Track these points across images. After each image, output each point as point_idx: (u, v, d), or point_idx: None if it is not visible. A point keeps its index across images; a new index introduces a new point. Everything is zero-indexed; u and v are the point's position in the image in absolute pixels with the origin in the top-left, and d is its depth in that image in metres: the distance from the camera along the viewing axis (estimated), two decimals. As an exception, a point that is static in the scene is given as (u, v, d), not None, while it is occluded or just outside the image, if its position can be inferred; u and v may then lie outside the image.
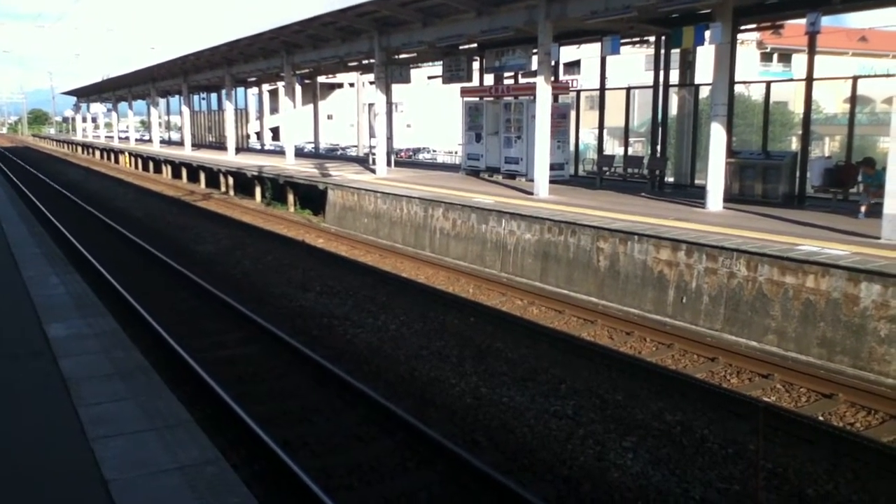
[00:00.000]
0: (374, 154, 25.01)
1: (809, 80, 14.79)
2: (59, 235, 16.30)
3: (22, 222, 13.98)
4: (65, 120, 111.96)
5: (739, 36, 16.12)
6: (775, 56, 46.74)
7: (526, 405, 7.66)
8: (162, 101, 55.29)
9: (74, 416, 4.64)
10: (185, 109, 43.82)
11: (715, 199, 13.80)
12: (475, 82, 22.77)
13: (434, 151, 51.14)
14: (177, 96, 50.83)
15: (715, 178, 13.80)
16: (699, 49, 15.87)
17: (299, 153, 34.01)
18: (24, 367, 5.62)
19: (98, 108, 69.69)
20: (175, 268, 13.61)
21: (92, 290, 8.56)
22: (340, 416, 7.22)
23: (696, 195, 15.42)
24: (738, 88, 17.25)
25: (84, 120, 79.68)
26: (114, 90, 56.40)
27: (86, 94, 68.35)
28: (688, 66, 17.57)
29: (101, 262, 13.51)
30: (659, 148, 18.37)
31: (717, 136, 13.66)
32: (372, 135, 26.07)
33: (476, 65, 22.61)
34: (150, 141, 53.04)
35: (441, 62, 23.50)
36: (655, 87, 17.93)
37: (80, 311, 7.29)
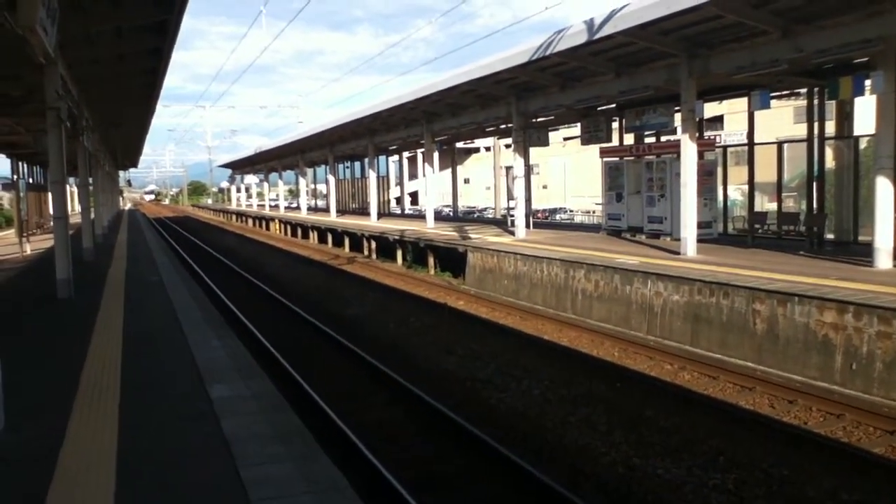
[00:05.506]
0: (511, 216, 25.17)
1: None
2: (216, 299, 17.25)
3: (184, 287, 14.90)
4: (220, 190, 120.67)
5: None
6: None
7: (683, 478, 7.22)
8: (309, 171, 58.28)
9: (236, 476, 4.77)
10: (331, 178, 46.10)
11: (884, 256, 12.80)
12: (614, 142, 22.56)
13: (571, 212, 50.88)
14: (323, 166, 53.51)
15: (883, 234, 12.81)
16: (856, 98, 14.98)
17: (438, 216, 34.77)
18: (190, 427, 5.87)
19: (251, 178, 74.94)
20: (324, 330, 14.05)
21: (249, 352, 8.94)
22: (488, 484, 7.06)
23: (860, 253, 14.36)
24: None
25: (238, 190, 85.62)
26: (265, 162, 60.26)
27: (240, 167, 73.44)
28: (845, 117, 16.62)
29: (256, 325, 14.15)
30: (815, 203, 17.35)
31: (884, 189, 12.72)
32: (510, 197, 26.27)
33: (615, 124, 22.42)
34: (297, 208, 55.93)
35: (578, 123, 23.50)
36: (810, 139, 17.05)
37: (238, 372, 7.61)
